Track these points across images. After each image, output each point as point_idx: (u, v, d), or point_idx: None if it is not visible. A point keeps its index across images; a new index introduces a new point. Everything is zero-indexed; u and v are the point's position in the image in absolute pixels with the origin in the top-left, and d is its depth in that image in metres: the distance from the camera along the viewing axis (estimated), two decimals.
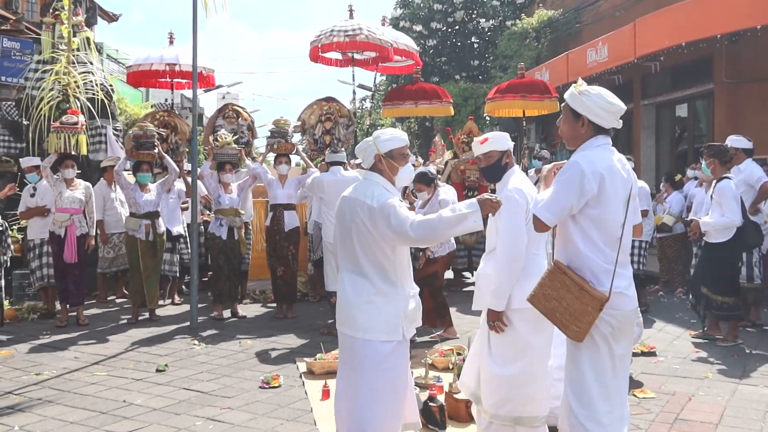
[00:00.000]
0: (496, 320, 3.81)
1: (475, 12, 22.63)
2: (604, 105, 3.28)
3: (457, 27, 22.80)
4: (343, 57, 11.50)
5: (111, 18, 28.98)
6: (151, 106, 19.01)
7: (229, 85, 33.02)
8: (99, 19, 28.16)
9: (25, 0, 25.12)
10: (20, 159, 8.93)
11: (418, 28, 22.39)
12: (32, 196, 8.43)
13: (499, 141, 4.07)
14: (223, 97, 38.89)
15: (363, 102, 33.89)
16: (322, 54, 10.72)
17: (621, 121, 3.35)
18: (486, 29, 22.60)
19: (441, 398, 4.82)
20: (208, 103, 76.83)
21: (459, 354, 5.90)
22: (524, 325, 3.79)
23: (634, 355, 6.47)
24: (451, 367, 5.58)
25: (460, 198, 8.53)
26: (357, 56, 11.36)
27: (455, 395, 4.84)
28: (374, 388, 3.56)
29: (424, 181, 7.16)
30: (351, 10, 10.61)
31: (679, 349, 6.77)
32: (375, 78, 12.02)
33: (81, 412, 5.04)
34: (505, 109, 10.98)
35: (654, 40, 11.79)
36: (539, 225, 3.32)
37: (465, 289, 10.34)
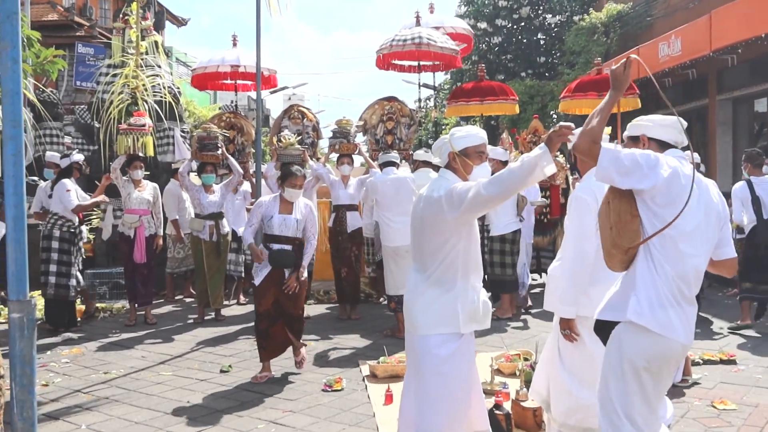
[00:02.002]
0: (566, 328, 3.65)
1: (541, 8, 22.18)
2: (656, 119, 3.21)
3: (522, 23, 22.39)
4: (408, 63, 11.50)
5: (180, 22, 29.69)
6: (219, 108, 19.28)
7: (294, 86, 33.37)
8: (168, 23, 28.88)
9: (99, 7, 25.95)
10: (47, 153, 8.80)
11: (483, 25, 22.08)
12: (50, 197, 7.94)
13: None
14: (289, 99, 39.34)
15: (427, 101, 33.78)
16: (388, 62, 10.79)
17: (684, 135, 3.14)
18: (553, 25, 22.14)
19: (507, 406, 4.66)
20: (274, 104, 78.06)
21: (526, 360, 5.72)
22: (587, 334, 3.61)
23: (713, 363, 6.16)
24: (517, 373, 5.41)
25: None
26: (424, 63, 11.29)
27: (522, 403, 4.66)
28: (433, 392, 3.47)
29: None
30: (418, 17, 10.53)
31: (761, 357, 6.39)
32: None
33: (146, 412, 5.08)
34: (583, 108, 10.69)
35: (731, 31, 11.27)
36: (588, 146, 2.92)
37: (531, 291, 10.08)
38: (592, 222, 3.50)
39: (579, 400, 3.69)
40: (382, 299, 9.21)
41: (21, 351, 2.76)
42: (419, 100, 14.11)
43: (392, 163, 7.77)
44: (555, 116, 19.05)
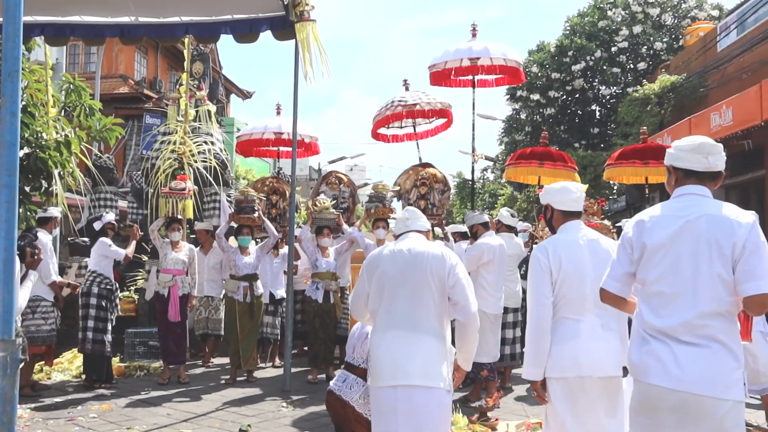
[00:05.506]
0: (535, 390, 3.61)
1: (595, 80, 22.30)
2: (555, 189, 3.83)
3: (576, 95, 22.51)
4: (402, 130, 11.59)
5: (245, 95, 30.94)
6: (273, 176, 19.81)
7: (352, 157, 34.16)
8: (234, 96, 30.13)
9: (168, 80, 27.31)
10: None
11: (536, 97, 22.28)
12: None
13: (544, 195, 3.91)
14: (351, 169, 40.18)
15: (484, 172, 33.84)
16: (379, 132, 10.97)
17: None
18: (607, 96, 22.18)
19: None
20: None
21: None
22: (555, 398, 3.52)
23: None
24: None
25: None
26: (420, 128, 11.28)
27: None
28: None
29: None
30: (406, 84, 10.57)
31: None
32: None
33: None
34: (627, 176, 10.60)
35: None
36: (603, 294, 3.07)
37: None
38: (546, 280, 3.48)
39: None
40: None
41: (3, 389, 2.85)
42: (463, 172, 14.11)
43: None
44: (615, 186, 18.87)
